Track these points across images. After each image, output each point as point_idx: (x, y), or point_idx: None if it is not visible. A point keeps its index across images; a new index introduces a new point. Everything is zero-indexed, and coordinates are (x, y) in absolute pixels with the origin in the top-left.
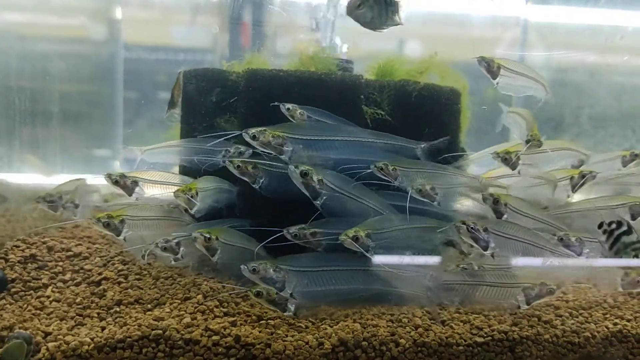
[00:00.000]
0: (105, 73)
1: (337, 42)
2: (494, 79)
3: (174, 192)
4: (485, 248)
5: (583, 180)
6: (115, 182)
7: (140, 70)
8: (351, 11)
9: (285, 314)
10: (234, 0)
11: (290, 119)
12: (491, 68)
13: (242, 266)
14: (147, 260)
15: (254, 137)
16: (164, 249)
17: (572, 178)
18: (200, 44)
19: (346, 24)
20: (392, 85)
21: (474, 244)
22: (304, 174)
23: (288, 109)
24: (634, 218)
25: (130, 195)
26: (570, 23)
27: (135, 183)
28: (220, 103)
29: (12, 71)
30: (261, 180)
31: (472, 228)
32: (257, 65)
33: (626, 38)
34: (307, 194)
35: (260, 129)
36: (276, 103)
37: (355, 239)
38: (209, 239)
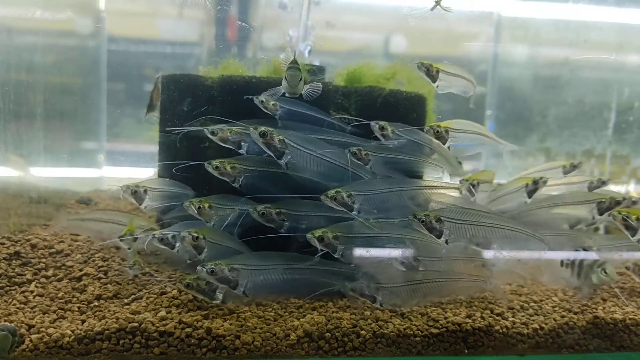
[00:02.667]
0: (90, 66)
1: (302, 47)
2: (434, 82)
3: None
4: (439, 236)
5: (536, 186)
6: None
7: (126, 63)
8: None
9: (213, 302)
10: None
11: (264, 110)
12: (430, 72)
13: (198, 267)
14: (134, 272)
15: (213, 133)
16: (161, 240)
17: (526, 185)
18: (187, 38)
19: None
20: (360, 91)
21: (428, 234)
22: (262, 134)
23: (262, 101)
24: (601, 214)
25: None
26: (541, 18)
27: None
28: (196, 107)
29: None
30: (240, 179)
31: (422, 220)
32: (232, 71)
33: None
34: (271, 154)
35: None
36: (250, 97)
37: (321, 239)
38: (197, 238)
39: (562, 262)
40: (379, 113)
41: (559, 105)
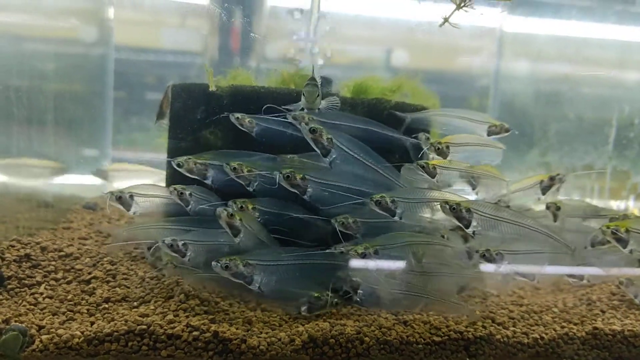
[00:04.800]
0: (96, 74)
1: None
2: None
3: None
4: (467, 226)
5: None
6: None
7: (131, 71)
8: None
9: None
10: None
11: (240, 127)
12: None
13: (213, 262)
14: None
15: (179, 165)
16: (170, 247)
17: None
18: (191, 47)
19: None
20: (366, 102)
21: (457, 222)
22: (312, 131)
23: (237, 118)
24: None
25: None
26: (543, 34)
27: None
28: (205, 117)
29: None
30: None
31: (453, 207)
32: (241, 81)
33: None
34: (317, 150)
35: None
36: (226, 114)
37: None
38: (232, 215)
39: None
40: (385, 124)
41: (559, 120)
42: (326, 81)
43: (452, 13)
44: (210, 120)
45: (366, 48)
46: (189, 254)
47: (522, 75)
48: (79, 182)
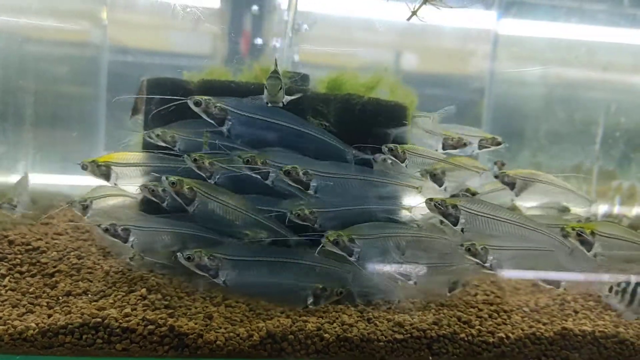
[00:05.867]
0: (93, 76)
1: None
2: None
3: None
4: (455, 224)
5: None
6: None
7: (135, 74)
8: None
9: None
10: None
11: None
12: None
13: (177, 254)
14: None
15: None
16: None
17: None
18: (200, 50)
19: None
20: (339, 98)
21: (444, 220)
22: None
23: (196, 102)
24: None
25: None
26: (536, 37)
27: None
28: (177, 111)
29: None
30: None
31: (438, 204)
32: (217, 76)
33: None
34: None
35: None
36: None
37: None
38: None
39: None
40: (357, 119)
41: (550, 121)
42: (302, 78)
43: (419, 7)
44: (181, 114)
45: (368, 51)
46: (131, 239)
47: (516, 77)
48: (69, 181)
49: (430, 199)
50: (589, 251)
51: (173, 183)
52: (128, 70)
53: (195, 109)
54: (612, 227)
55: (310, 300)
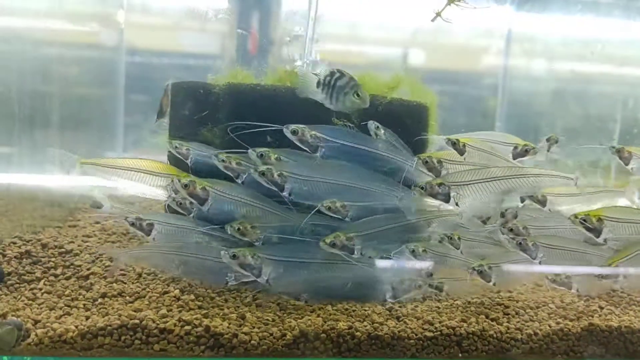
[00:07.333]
0: (110, 77)
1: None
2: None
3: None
4: (447, 201)
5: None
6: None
7: (147, 75)
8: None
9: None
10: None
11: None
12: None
13: (222, 252)
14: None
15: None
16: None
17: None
18: (209, 51)
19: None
20: None
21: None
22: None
23: (293, 131)
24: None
25: None
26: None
27: None
28: (204, 114)
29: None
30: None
31: (423, 187)
32: (240, 79)
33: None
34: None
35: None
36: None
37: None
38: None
39: None
40: (381, 120)
41: (566, 117)
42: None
43: (444, 8)
44: (207, 117)
45: (382, 50)
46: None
47: (529, 72)
48: (89, 182)
49: (416, 185)
50: (597, 237)
51: (263, 173)
52: (145, 72)
53: (292, 137)
54: (620, 210)
55: (389, 295)
